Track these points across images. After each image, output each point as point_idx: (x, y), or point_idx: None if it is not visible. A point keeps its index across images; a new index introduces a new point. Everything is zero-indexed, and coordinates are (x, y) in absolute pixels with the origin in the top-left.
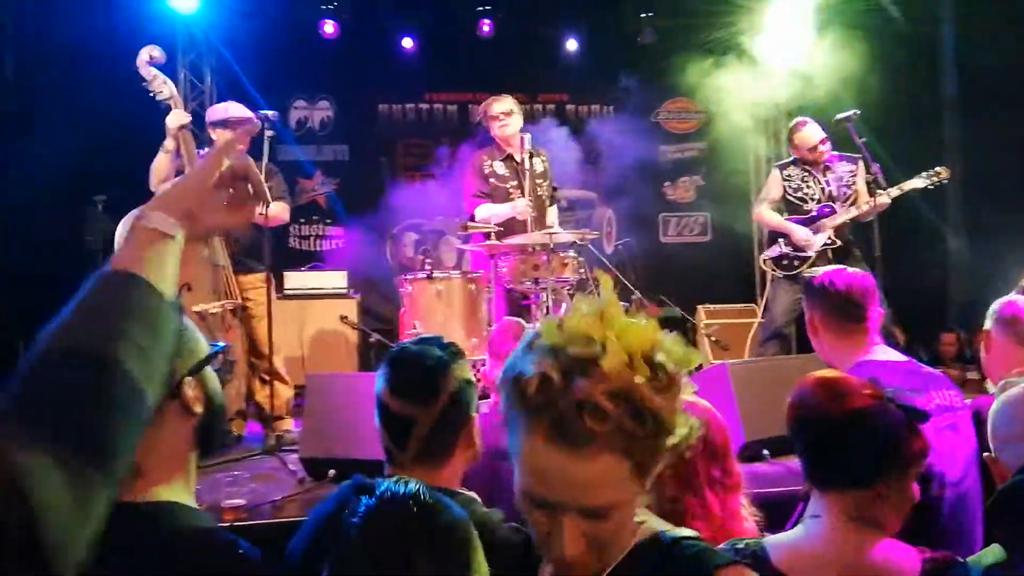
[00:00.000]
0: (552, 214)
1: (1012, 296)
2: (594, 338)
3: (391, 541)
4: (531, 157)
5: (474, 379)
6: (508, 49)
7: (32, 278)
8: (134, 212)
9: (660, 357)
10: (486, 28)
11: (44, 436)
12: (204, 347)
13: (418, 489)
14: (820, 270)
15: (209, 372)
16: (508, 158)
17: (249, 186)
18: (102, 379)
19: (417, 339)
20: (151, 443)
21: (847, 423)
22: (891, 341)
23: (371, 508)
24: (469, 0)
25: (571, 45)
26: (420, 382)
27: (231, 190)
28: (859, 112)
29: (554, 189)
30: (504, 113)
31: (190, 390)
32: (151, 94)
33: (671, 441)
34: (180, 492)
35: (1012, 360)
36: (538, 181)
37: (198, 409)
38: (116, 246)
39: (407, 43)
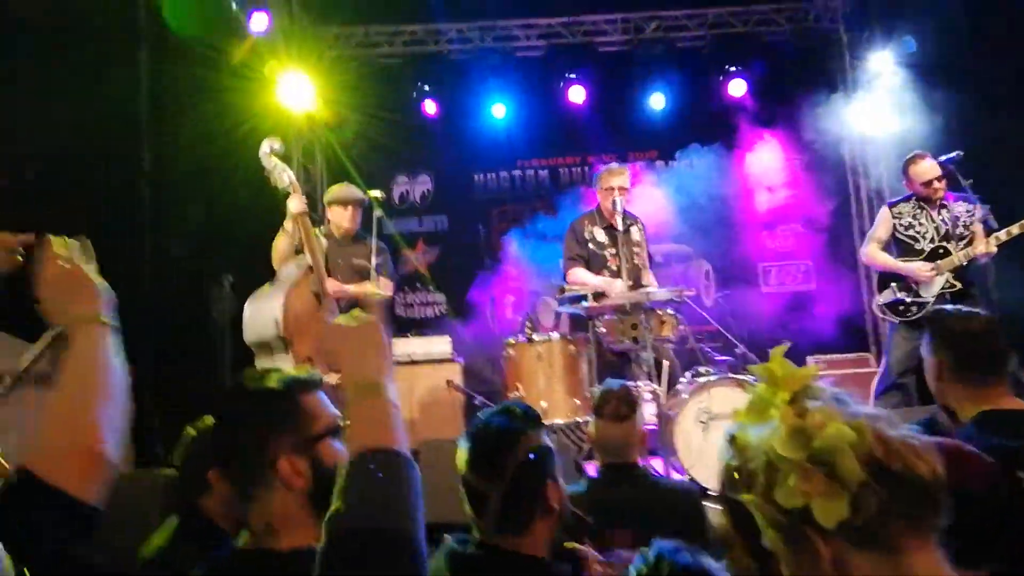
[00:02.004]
0: (649, 277)
1: None
2: None
3: None
4: (629, 225)
5: (550, 444)
6: (596, 113)
7: (165, 353)
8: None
9: None
10: (578, 96)
11: None
12: (319, 423)
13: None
14: (950, 311)
15: (331, 444)
16: (609, 227)
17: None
18: (403, 557)
19: (497, 409)
20: (269, 505)
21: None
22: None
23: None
24: (554, 69)
25: (657, 103)
26: (488, 456)
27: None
28: (961, 153)
29: (651, 256)
30: (621, 188)
31: (286, 464)
32: (272, 183)
33: None
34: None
35: None
36: (635, 250)
37: (299, 483)
38: (244, 327)
39: (499, 113)
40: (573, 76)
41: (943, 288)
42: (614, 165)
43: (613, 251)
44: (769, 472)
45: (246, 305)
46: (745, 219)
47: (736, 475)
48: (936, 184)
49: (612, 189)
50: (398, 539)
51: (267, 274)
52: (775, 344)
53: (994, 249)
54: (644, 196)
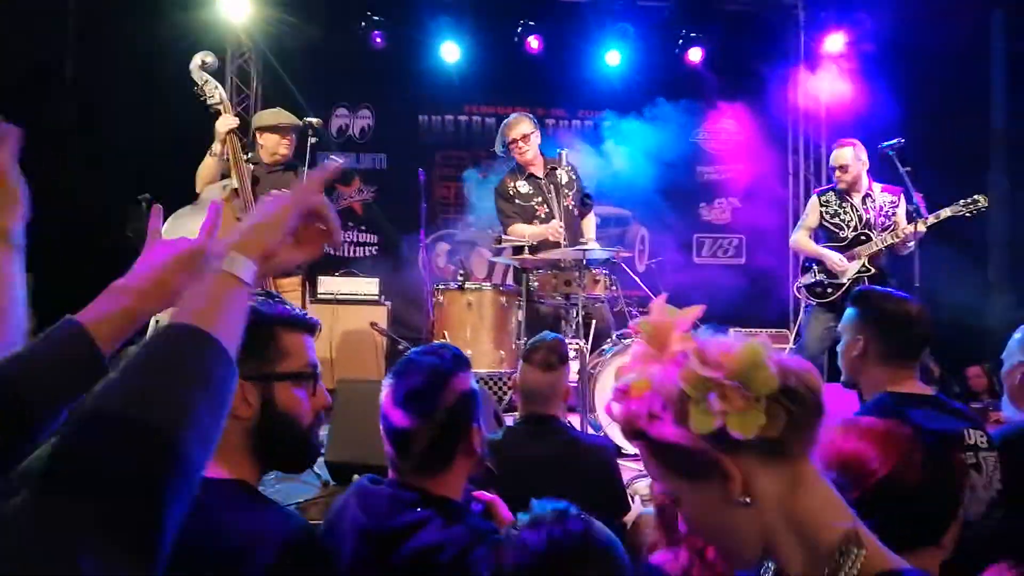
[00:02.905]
0: (590, 223)
1: None
2: None
3: None
4: (553, 171)
5: (477, 389)
6: (549, 63)
7: (73, 272)
8: (182, 211)
9: None
10: (535, 44)
11: (85, 515)
12: (299, 363)
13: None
14: (882, 292)
15: (287, 389)
16: (530, 176)
17: (324, 224)
18: (157, 467)
19: (425, 348)
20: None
21: None
22: (926, 375)
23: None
24: (512, 14)
25: (612, 60)
26: (419, 395)
27: (306, 227)
28: (903, 140)
29: (587, 196)
30: (524, 136)
31: (238, 389)
32: (201, 98)
33: None
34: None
35: None
36: (565, 191)
37: (241, 411)
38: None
39: (449, 55)
40: (531, 23)
41: (859, 272)
42: (512, 117)
43: (540, 199)
44: (680, 403)
45: (165, 224)
46: (686, 188)
47: (638, 419)
48: (838, 173)
49: (515, 141)
50: (139, 431)
51: (188, 197)
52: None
53: (910, 231)
54: (590, 155)
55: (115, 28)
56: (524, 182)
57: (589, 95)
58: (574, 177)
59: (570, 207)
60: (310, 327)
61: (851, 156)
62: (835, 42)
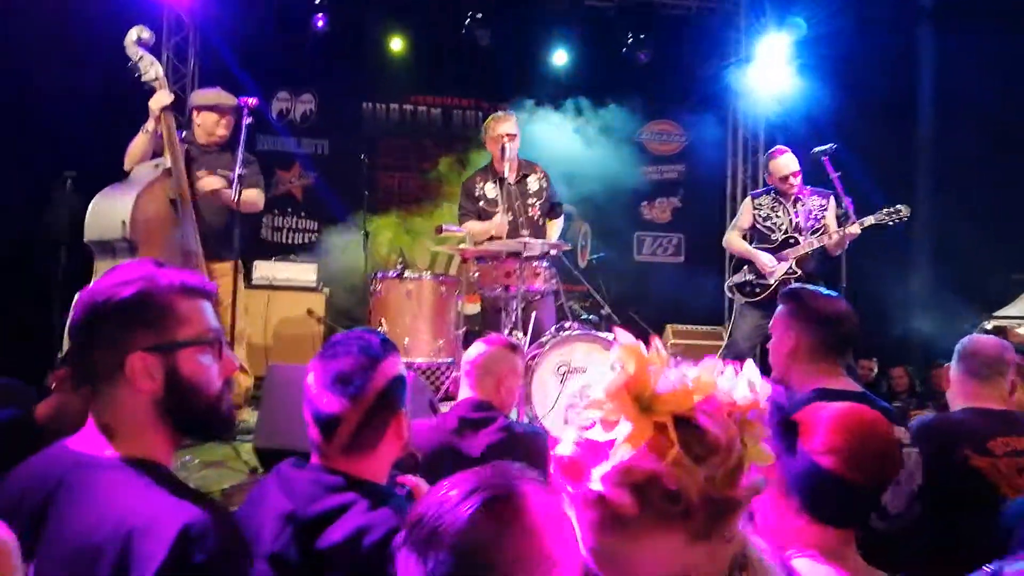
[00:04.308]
0: (554, 228)
1: (976, 334)
2: None
3: None
4: (525, 176)
5: (406, 374)
6: (496, 57)
7: None
8: (110, 188)
9: None
10: (482, 36)
11: None
12: (200, 330)
13: None
14: (813, 290)
15: (192, 356)
16: (501, 179)
17: None
18: None
19: (350, 333)
20: (110, 405)
21: None
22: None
23: None
24: (460, 5)
25: (559, 58)
26: (348, 377)
27: None
28: (836, 146)
29: (556, 204)
30: (509, 135)
31: (139, 363)
32: (136, 74)
33: None
34: (159, 457)
35: (966, 394)
36: (529, 200)
37: (146, 385)
38: (86, 225)
39: (395, 43)
40: (479, 16)
41: (786, 274)
42: (500, 113)
43: (505, 206)
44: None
45: (92, 201)
46: (629, 186)
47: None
48: (791, 180)
49: (501, 136)
50: None
51: (115, 175)
52: (640, 309)
53: (838, 236)
54: (534, 149)
55: None
56: (492, 185)
57: (535, 89)
58: (545, 185)
59: (534, 216)
60: (206, 293)
61: (796, 162)
62: (774, 46)
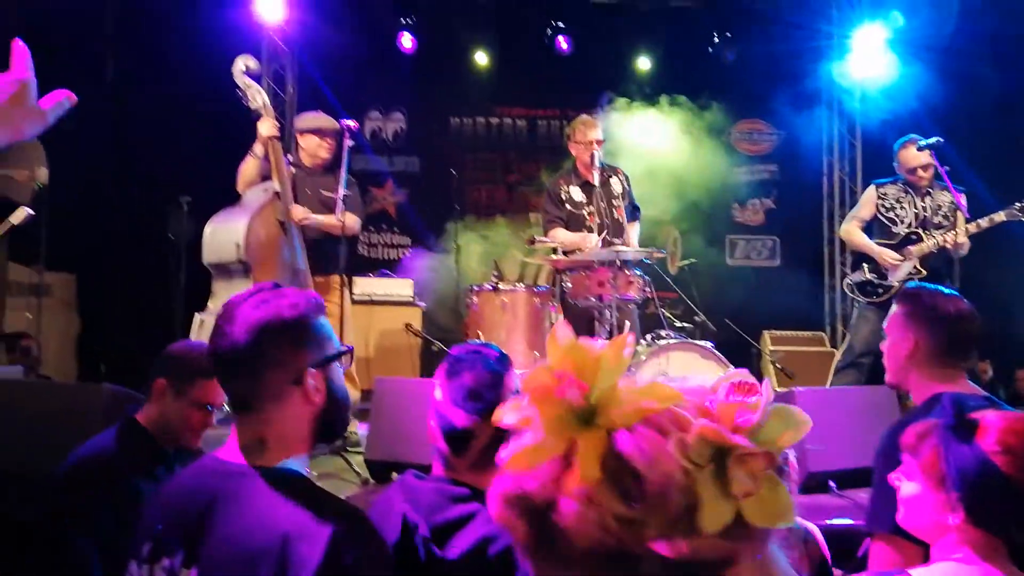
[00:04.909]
0: (634, 231)
1: None
2: None
3: None
4: (608, 178)
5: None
6: (579, 64)
7: (118, 273)
8: (220, 213)
9: None
10: (563, 45)
11: None
12: (334, 343)
13: None
14: (932, 289)
15: (335, 368)
16: (585, 183)
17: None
18: None
19: (468, 347)
20: (274, 420)
21: None
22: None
23: None
24: (542, 15)
25: (643, 64)
26: (480, 394)
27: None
28: (941, 140)
29: (635, 208)
30: (598, 141)
31: (312, 380)
32: (244, 102)
33: None
34: (301, 468)
35: None
36: (615, 202)
37: (318, 399)
38: (204, 248)
39: (480, 57)
40: (559, 24)
41: (910, 273)
42: (587, 117)
43: (591, 208)
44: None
45: (207, 224)
46: (720, 188)
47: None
48: (921, 172)
49: (591, 143)
50: None
51: (228, 197)
52: (734, 315)
53: (966, 240)
54: (621, 152)
55: (153, 29)
56: (578, 188)
57: (620, 96)
58: (627, 187)
59: (619, 218)
60: (324, 308)
61: (930, 157)
62: (869, 37)
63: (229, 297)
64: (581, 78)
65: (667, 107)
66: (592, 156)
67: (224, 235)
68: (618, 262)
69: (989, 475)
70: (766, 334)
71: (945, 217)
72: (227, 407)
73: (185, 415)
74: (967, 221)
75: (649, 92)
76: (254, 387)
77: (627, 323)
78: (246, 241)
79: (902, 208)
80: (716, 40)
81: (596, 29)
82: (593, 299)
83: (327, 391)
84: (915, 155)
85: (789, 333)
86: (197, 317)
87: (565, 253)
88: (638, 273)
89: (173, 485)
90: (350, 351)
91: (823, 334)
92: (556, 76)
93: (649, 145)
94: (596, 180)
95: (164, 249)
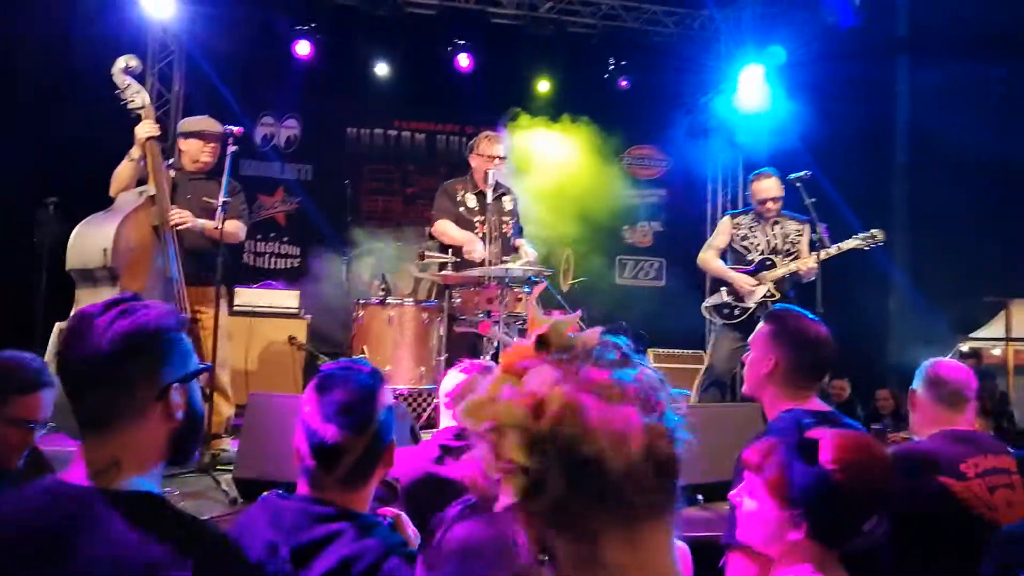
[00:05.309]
0: (525, 243)
1: (940, 358)
2: None
3: None
4: (501, 195)
5: (399, 403)
6: (479, 82)
7: None
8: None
9: None
10: (464, 62)
11: None
12: (194, 360)
13: None
14: (797, 312)
15: (194, 385)
16: (480, 193)
17: None
18: None
19: (340, 364)
20: (132, 439)
21: None
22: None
23: None
24: (444, 32)
25: (543, 86)
26: (353, 409)
27: None
28: (811, 172)
29: (520, 229)
30: (500, 158)
31: (176, 396)
32: (123, 102)
33: None
34: (154, 487)
35: (936, 420)
36: (504, 219)
37: (179, 416)
38: (68, 253)
39: (380, 69)
40: (462, 42)
41: (764, 296)
42: (492, 133)
43: (481, 218)
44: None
45: (75, 229)
46: (612, 211)
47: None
48: (770, 204)
49: (492, 158)
50: None
51: (99, 201)
52: (623, 333)
53: (814, 265)
54: (516, 171)
55: (27, 21)
56: (472, 196)
57: (518, 116)
58: (516, 208)
59: (507, 234)
60: (187, 324)
61: (778, 187)
62: (752, 73)
63: None
64: (481, 96)
65: (565, 129)
66: (488, 172)
67: (91, 239)
68: (506, 279)
69: (830, 491)
70: (650, 352)
71: (792, 244)
72: (52, 424)
73: (2, 434)
74: (818, 248)
75: (548, 114)
76: (114, 401)
77: (515, 340)
78: (114, 246)
79: (755, 237)
80: (612, 67)
81: (497, 49)
82: (481, 316)
83: (187, 409)
84: (765, 188)
85: (672, 351)
86: (57, 326)
87: (455, 267)
88: (526, 291)
89: (7, 514)
90: (209, 368)
91: (703, 352)
92: (456, 92)
93: (546, 165)
94: (489, 195)
95: (26, 253)
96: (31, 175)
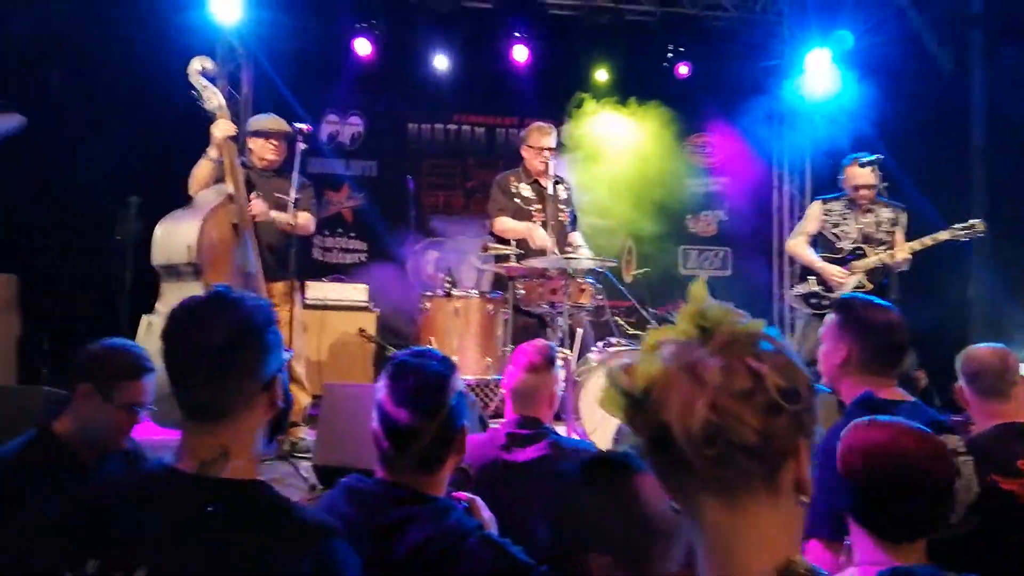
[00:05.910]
0: (578, 238)
1: (971, 347)
2: None
3: None
4: (556, 184)
5: (467, 392)
6: (538, 74)
7: (62, 274)
8: (175, 213)
9: None
10: (522, 55)
11: None
12: (283, 351)
13: None
14: (863, 300)
15: (285, 374)
16: (535, 183)
17: None
18: None
19: (412, 352)
20: (239, 429)
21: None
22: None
23: None
24: (501, 25)
25: (601, 75)
26: (424, 394)
27: None
28: (882, 156)
29: (575, 218)
30: (550, 149)
31: (279, 385)
32: (199, 103)
33: None
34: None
35: (988, 413)
36: (560, 207)
37: (280, 405)
38: (153, 249)
39: (439, 64)
40: (519, 35)
41: (855, 287)
42: (544, 124)
43: (539, 206)
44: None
45: (158, 226)
46: (676, 200)
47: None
48: (864, 192)
49: (542, 149)
50: None
51: (177, 199)
52: None
53: (908, 256)
54: (579, 162)
55: (104, 28)
56: (527, 186)
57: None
58: (571, 197)
59: (564, 223)
60: (275, 316)
61: (873, 176)
62: (819, 57)
63: (178, 300)
64: (540, 87)
65: (625, 118)
66: (544, 163)
67: (175, 236)
68: (570, 270)
69: (841, 484)
70: None
71: (887, 233)
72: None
73: (113, 418)
74: (916, 239)
75: (607, 103)
76: (226, 393)
77: (579, 330)
78: (198, 243)
79: (847, 223)
80: (671, 54)
81: (554, 41)
82: (546, 306)
83: (284, 398)
84: (860, 173)
85: None
86: (145, 319)
87: (518, 259)
88: (590, 281)
89: (116, 497)
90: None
91: None
92: (515, 85)
93: (606, 155)
94: (546, 184)
95: (110, 250)
96: (112, 176)
